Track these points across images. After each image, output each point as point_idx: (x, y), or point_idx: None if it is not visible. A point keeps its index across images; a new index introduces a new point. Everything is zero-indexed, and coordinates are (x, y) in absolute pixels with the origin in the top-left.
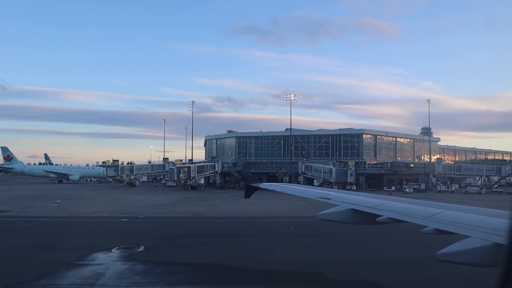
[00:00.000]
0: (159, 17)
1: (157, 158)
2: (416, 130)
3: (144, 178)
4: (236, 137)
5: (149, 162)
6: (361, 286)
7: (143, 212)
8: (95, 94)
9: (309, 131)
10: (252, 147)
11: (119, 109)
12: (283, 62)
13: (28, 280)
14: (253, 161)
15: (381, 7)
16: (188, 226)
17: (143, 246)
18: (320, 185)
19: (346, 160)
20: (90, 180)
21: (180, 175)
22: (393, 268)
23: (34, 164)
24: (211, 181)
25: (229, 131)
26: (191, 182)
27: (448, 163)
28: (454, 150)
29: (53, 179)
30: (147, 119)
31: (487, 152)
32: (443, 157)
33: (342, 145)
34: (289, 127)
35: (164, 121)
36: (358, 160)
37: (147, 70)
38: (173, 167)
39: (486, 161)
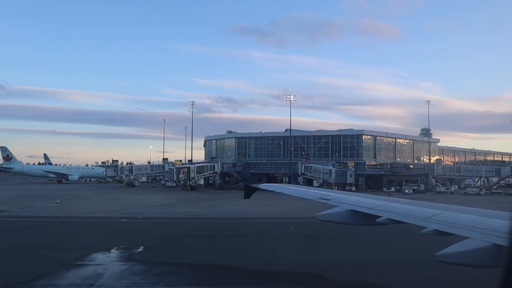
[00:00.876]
0: (158, 18)
1: (156, 159)
2: (416, 131)
3: (144, 179)
4: (235, 137)
5: (149, 163)
6: (361, 287)
7: (143, 212)
8: (95, 94)
9: (309, 132)
10: (251, 147)
11: (118, 109)
12: (282, 63)
13: (27, 280)
14: (253, 161)
15: (380, 8)
16: (187, 227)
17: (142, 247)
18: (320, 186)
19: (346, 161)
20: (90, 180)
21: (180, 176)
22: (392, 269)
23: (34, 164)
24: (210, 181)
25: (229, 132)
26: (191, 183)
27: (448, 164)
28: (454, 151)
29: (52, 179)
30: (146, 120)
31: (487, 153)
32: (442, 158)
33: (342, 146)
34: (289, 128)
35: (164, 122)
36: (357, 161)
37: (147, 71)
38: (173, 168)
39: (485, 162)
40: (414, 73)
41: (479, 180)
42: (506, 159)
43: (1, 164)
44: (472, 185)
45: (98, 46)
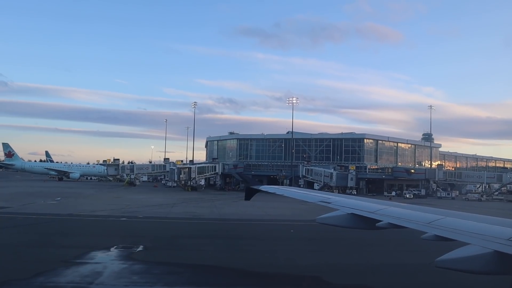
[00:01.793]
0: (161, 17)
1: (158, 158)
2: (417, 136)
3: (145, 178)
4: (237, 139)
5: (150, 162)
6: None
7: (143, 211)
8: (97, 93)
9: (311, 134)
10: (253, 149)
11: (120, 108)
12: (285, 65)
13: (26, 277)
14: (254, 163)
15: (383, 12)
16: (187, 227)
17: (142, 246)
18: (321, 189)
19: (347, 165)
20: (91, 178)
21: (181, 176)
22: (392, 273)
23: (35, 161)
24: (211, 182)
25: (231, 133)
26: (192, 183)
27: (449, 169)
28: (455, 157)
29: (53, 177)
30: (148, 119)
31: (488, 159)
32: (444, 163)
33: (343, 149)
34: (291, 130)
35: (165, 121)
36: (359, 165)
37: (149, 70)
38: (174, 168)
39: (487, 168)
40: (417, 78)
41: (481, 186)
42: (508, 165)
43: (3, 161)
44: (473, 191)
45: (100, 44)
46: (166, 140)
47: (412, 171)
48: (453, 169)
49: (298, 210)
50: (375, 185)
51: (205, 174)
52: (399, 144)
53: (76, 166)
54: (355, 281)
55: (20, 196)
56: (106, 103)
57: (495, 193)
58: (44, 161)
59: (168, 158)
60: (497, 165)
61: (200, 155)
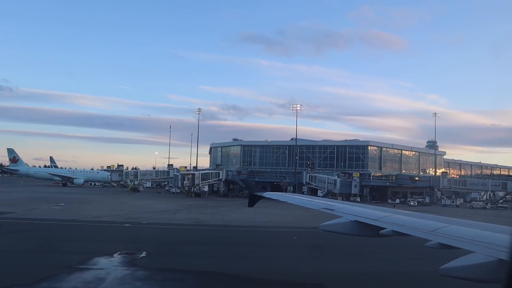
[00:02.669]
0: (165, 24)
1: (161, 164)
2: (422, 143)
3: (148, 184)
4: (241, 145)
5: (154, 168)
6: None
7: (146, 217)
8: (101, 99)
9: (315, 141)
10: (257, 156)
11: (124, 114)
12: (289, 72)
13: (29, 282)
14: (258, 170)
15: (387, 20)
16: (190, 233)
17: (145, 252)
18: (324, 196)
19: (351, 172)
20: (94, 184)
21: (184, 182)
22: (395, 281)
23: (40, 166)
24: (215, 188)
25: (234, 139)
26: (195, 189)
27: (454, 177)
28: (460, 164)
29: (57, 182)
30: (152, 125)
31: (493, 167)
32: (448, 171)
33: (347, 156)
34: (295, 137)
35: (170, 128)
36: (362, 172)
37: (153, 76)
38: (178, 174)
39: (491, 176)
40: (421, 85)
41: (485, 194)
42: None
43: (8, 166)
44: (478, 199)
45: (104, 50)
46: (170, 146)
47: (417, 178)
48: (458, 176)
49: (302, 217)
50: (379, 193)
51: (208, 181)
52: (403, 152)
53: (80, 172)
54: None
55: (24, 201)
56: (110, 109)
57: (500, 201)
58: (48, 166)
59: (172, 164)
60: (502, 173)
61: (204, 162)
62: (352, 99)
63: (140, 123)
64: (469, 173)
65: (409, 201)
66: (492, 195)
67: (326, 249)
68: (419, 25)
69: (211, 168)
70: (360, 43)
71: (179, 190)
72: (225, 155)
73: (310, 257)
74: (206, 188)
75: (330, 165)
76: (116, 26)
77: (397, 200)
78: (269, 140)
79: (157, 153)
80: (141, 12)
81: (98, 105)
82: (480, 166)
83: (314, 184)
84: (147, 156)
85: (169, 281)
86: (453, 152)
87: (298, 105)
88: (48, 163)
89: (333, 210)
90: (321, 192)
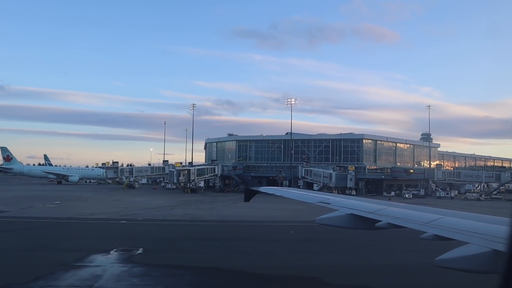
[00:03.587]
0: (158, 20)
1: (157, 161)
2: (416, 136)
3: (144, 180)
4: (236, 140)
5: (149, 164)
6: None
7: (142, 214)
8: (95, 96)
9: (309, 135)
10: (252, 150)
11: (118, 110)
12: (282, 66)
13: (25, 281)
14: (253, 164)
15: (379, 13)
16: (187, 229)
17: (141, 249)
18: (320, 190)
19: (346, 165)
20: (90, 181)
21: (180, 178)
22: (391, 273)
23: (34, 164)
24: (211, 184)
25: (230, 135)
26: (191, 185)
27: (448, 169)
28: (454, 156)
29: (52, 180)
30: (147, 121)
31: (487, 158)
32: (442, 163)
33: (342, 150)
34: (289, 131)
35: (164, 124)
36: (358, 165)
37: (147, 72)
38: (173, 170)
39: (485, 167)
40: (414, 78)
41: (479, 186)
42: (506, 164)
43: (1, 165)
44: (472, 190)
45: (97, 47)
46: (165, 142)
47: (411, 171)
48: (452, 168)
49: (298, 211)
50: (374, 186)
51: (204, 176)
52: (398, 144)
53: (75, 169)
54: (355, 281)
55: (19, 200)
56: (104, 106)
57: (493, 193)
58: (42, 164)
59: (167, 160)
60: (496, 164)
61: (199, 157)
62: (346, 93)
63: (134, 119)
64: (463, 165)
65: (404, 194)
66: (486, 186)
67: (322, 243)
68: (412, 18)
69: (206, 163)
70: (353, 36)
71: (174, 186)
72: (220, 150)
73: (306, 250)
74: (202, 184)
75: (325, 159)
76: (109, 23)
77: (392, 193)
78: (264, 135)
79: (152, 149)
80: (133, 9)
81: (92, 102)
82: (474, 158)
83: (310, 178)
84: (142, 153)
85: (166, 277)
86: (447, 144)
87: (293, 99)
88: (42, 161)
89: (328, 203)
90: (316, 186)
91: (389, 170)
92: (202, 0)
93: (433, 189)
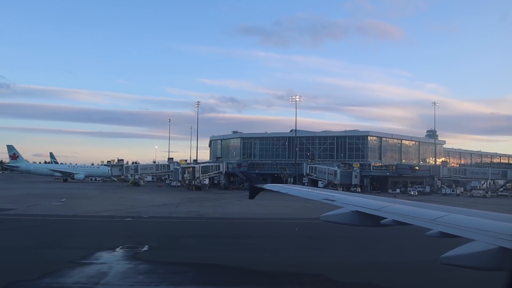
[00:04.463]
0: (162, 18)
1: (162, 158)
2: (421, 133)
3: (149, 178)
4: (241, 137)
5: (154, 162)
6: None
7: (147, 211)
8: (99, 94)
9: (314, 132)
10: (257, 148)
11: (123, 108)
12: (286, 63)
13: (32, 278)
14: (258, 162)
15: (383, 9)
16: (192, 226)
17: (147, 246)
18: (325, 187)
19: (351, 162)
20: (95, 179)
21: (185, 175)
22: (397, 271)
23: (40, 163)
24: (215, 181)
25: (234, 132)
26: (196, 182)
27: (454, 166)
28: (460, 153)
29: (58, 178)
30: (151, 119)
31: (493, 155)
32: (448, 160)
33: (347, 147)
34: (294, 128)
35: (169, 121)
36: (363, 162)
37: (151, 70)
38: (178, 167)
39: (491, 164)
40: (419, 75)
41: (485, 183)
42: None
43: (8, 163)
44: (478, 187)
45: (102, 46)
46: (169, 140)
47: (417, 168)
48: (458, 165)
49: (303, 208)
50: (380, 183)
51: (209, 174)
52: (403, 141)
53: (81, 167)
54: (360, 278)
55: (25, 197)
56: (109, 104)
57: (500, 189)
58: (48, 162)
59: (172, 158)
60: (502, 161)
61: (204, 155)
62: (351, 90)
63: (139, 117)
64: (469, 162)
65: (409, 191)
66: (492, 183)
67: (327, 240)
68: (416, 14)
69: (211, 161)
70: (357, 33)
71: (179, 184)
72: (225, 147)
73: (311, 248)
74: (206, 181)
75: (330, 156)
76: (113, 21)
77: (398, 190)
78: (268, 132)
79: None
80: (137, 7)
81: (97, 100)
82: (480, 154)
83: (315, 175)
84: (147, 150)
85: (172, 274)
86: (453, 141)
87: (297, 96)
88: (48, 159)
89: (333, 200)
90: (321, 183)
91: (394, 167)
92: None
93: (439, 186)
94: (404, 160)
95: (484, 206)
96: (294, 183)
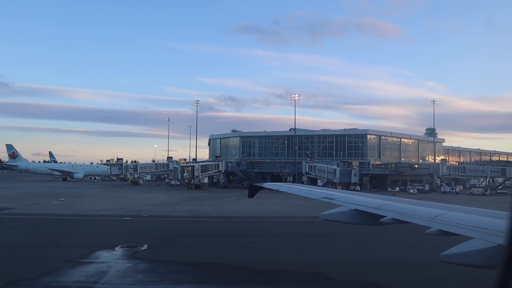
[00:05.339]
0: (161, 17)
1: (161, 157)
2: (421, 131)
3: (148, 177)
4: (240, 136)
5: (153, 161)
6: (365, 287)
7: (147, 210)
8: (98, 93)
9: (313, 131)
10: (256, 146)
11: (122, 107)
12: (285, 62)
13: (32, 277)
14: (257, 160)
15: (381, 7)
16: (191, 225)
17: (146, 245)
18: (324, 185)
19: (350, 161)
20: (94, 178)
21: (184, 174)
22: (396, 269)
23: (39, 162)
24: (215, 180)
25: (233, 131)
26: (195, 181)
27: (453, 164)
28: (459, 151)
29: (57, 177)
30: (150, 118)
31: (492, 153)
32: (447, 158)
33: (346, 145)
34: (293, 127)
35: (168, 120)
36: (362, 161)
37: (150, 69)
38: (177, 166)
39: (490, 162)
40: (418, 73)
41: (484, 181)
42: (511, 159)
43: (7, 162)
44: (477, 185)
45: (101, 44)
46: (169, 139)
47: (416, 166)
48: (457, 163)
49: (302, 207)
50: (379, 181)
51: (208, 172)
52: (402, 140)
53: (80, 166)
54: (360, 277)
55: (25, 197)
56: (108, 103)
57: (499, 187)
58: (47, 161)
59: (171, 157)
60: (501, 159)
61: (203, 153)
62: (350, 88)
63: (138, 116)
64: (468, 159)
65: (408, 189)
66: (491, 181)
67: (326, 238)
68: (414, 13)
69: (210, 160)
70: (356, 31)
71: (179, 183)
72: (224, 146)
73: (311, 246)
74: (206, 180)
75: (329, 155)
76: (112, 20)
77: (397, 188)
78: (267, 131)
79: (156, 145)
80: (136, 6)
81: (96, 99)
82: (479, 152)
83: (314, 173)
84: (146, 149)
85: (171, 273)
86: (452, 139)
87: (296, 95)
88: (47, 158)
89: (333, 199)
90: (320, 182)
91: (393, 166)
92: None
93: (438, 184)
94: (403, 158)
95: (483, 204)
96: (294, 181)
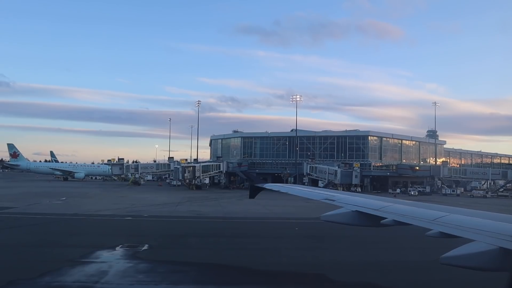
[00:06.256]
0: (162, 17)
1: (162, 157)
2: (422, 133)
3: (149, 177)
4: (241, 137)
5: (154, 161)
6: None
7: (148, 210)
8: (99, 92)
9: (315, 132)
10: (257, 147)
11: (123, 107)
12: (286, 63)
13: (32, 277)
14: (258, 161)
15: (382, 9)
16: (192, 226)
17: (147, 245)
18: (325, 187)
19: (351, 162)
20: (95, 178)
21: (185, 175)
22: (396, 271)
23: (40, 161)
24: (216, 181)
25: (235, 131)
26: (196, 182)
27: (454, 166)
28: (460, 153)
29: (58, 177)
30: (152, 118)
31: (493, 155)
32: (448, 160)
33: (348, 146)
34: (294, 128)
35: (169, 120)
36: (363, 162)
37: (151, 69)
38: (178, 167)
39: (492, 164)
40: (419, 74)
41: (486, 183)
42: None
43: (8, 161)
44: (478, 187)
45: (102, 44)
46: (170, 139)
47: (417, 168)
48: (458, 166)
49: (303, 208)
50: (380, 183)
51: (209, 173)
52: (404, 141)
53: (81, 166)
54: (360, 278)
55: (26, 196)
56: (109, 103)
57: (500, 190)
58: (48, 161)
59: (173, 157)
60: (502, 161)
61: (204, 154)
62: (351, 89)
63: (139, 116)
64: (469, 162)
65: (409, 191)
66: (492, 183)
67: (327, 240)
68: (416, 14)
69: (211, 160)
70: (357, 32)
71: (180, 183)
72: (225, 147)
73: (311, 247)
74: (207, 181)
75: (331, 156)
76: (113, 20)
77: (398, 190)
78: (269, 132)
79: (157, 146)
80: (137, 6)
81: (97, 99)
82: (480, 155)
83: (315, 175)
84: (147, 149)
85: (172, 273)
86: (453, 141)
87: (298, 96)
88: (48, 158)
89: (334, 200)
90: (321, 183)
91: (394, 167)
92: None
93: (439, 186)
94: (404, 160)
95: (484, 206)
96: (295, 182)
